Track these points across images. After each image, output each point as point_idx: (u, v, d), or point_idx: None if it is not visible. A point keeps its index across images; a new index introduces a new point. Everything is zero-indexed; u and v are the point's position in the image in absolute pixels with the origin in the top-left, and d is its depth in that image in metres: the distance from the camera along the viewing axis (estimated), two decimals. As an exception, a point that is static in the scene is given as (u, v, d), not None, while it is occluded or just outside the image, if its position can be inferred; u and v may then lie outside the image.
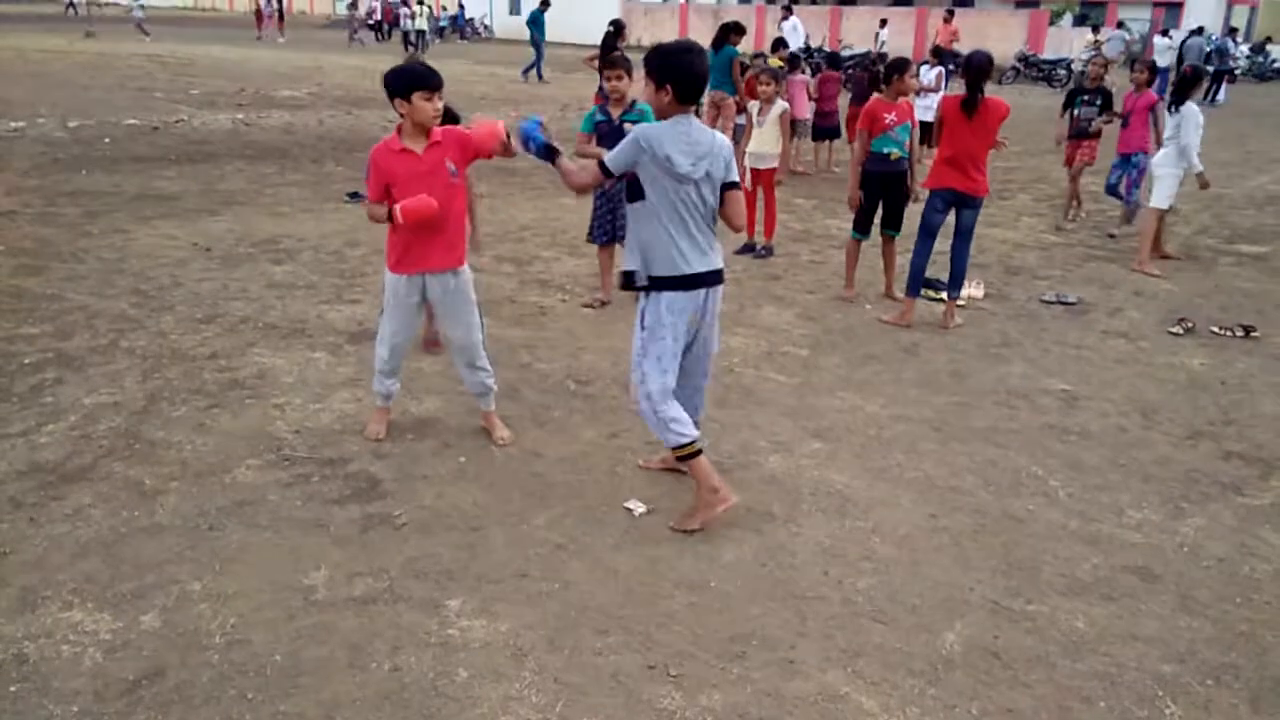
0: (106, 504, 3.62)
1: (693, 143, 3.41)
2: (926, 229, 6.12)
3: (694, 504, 3.67)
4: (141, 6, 33.61)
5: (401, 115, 3.81)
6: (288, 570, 3.26)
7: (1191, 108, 7.59)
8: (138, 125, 13.16)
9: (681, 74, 3.38)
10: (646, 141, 3.36)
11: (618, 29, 12.55)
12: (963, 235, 6.13)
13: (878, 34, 27.09)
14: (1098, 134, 9.33)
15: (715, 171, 3.47)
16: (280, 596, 3.12)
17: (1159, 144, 8.00)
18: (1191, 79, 7.82)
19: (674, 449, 3.60)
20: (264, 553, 3.36)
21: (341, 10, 33.97)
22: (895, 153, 6.43)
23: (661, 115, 3.47)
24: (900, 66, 6.46)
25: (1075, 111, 9.45)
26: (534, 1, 24.22)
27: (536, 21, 23.32)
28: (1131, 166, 8.79)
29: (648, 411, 3.59)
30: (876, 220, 6.66)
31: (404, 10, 33.37)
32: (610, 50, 12.25)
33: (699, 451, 3.58)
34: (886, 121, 6.35)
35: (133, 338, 5.34)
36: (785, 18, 22.50)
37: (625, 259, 3.59)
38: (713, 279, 3.56)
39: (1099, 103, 9.27)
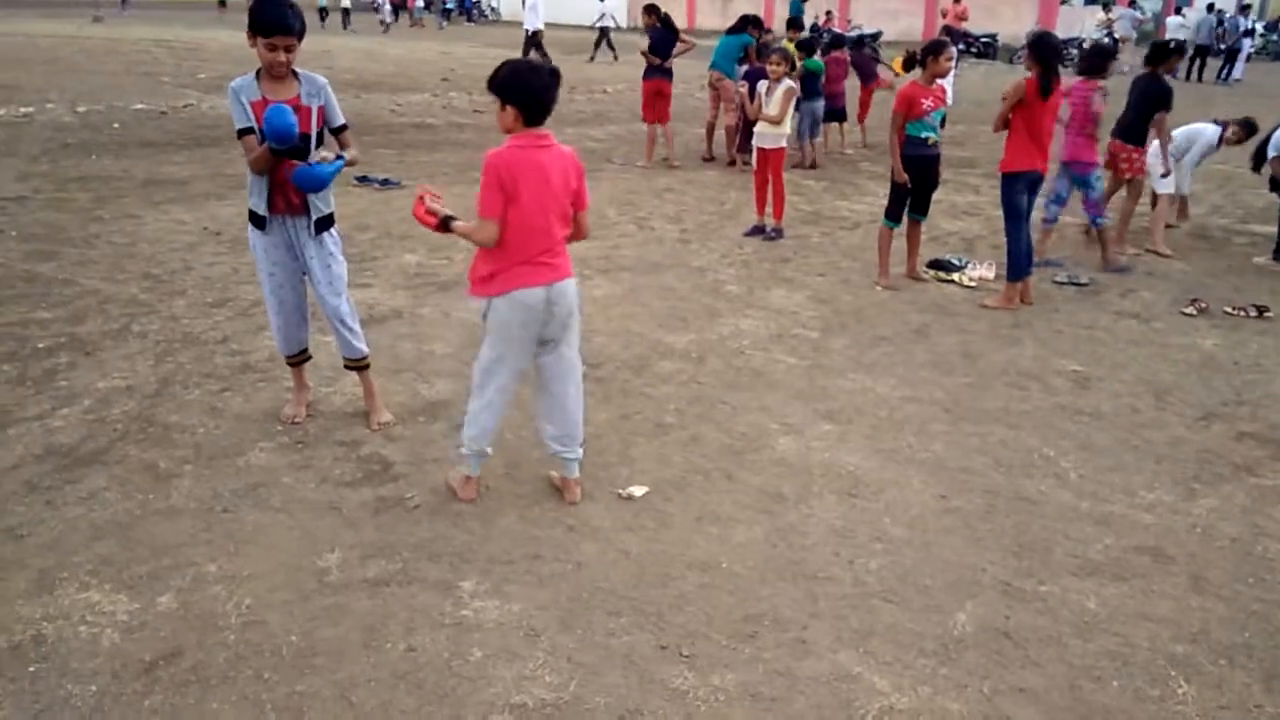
0: (121, 487, 3.65)
1: None
2: (1017, 212, 6.10)
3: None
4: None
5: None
6: (302, 552, 3.28)
7: (1209, 131, 7.71)
8: (146, 110, 13.16)
9: None
10: None
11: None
12: (1028, 216, 6.19)
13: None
14: None
15: None
16: (295, 578, 3.14)
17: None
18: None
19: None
20: (278, 535, 3.38)
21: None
22: (932, 137, 6.37)
23: None
24: (937, 48, 6.30)
25: None
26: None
27: None
28: None
29: None
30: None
31: None
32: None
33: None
34: (924, 106, 6.25)
35: (145, 322, 5.36)
36: None
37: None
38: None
39: None
